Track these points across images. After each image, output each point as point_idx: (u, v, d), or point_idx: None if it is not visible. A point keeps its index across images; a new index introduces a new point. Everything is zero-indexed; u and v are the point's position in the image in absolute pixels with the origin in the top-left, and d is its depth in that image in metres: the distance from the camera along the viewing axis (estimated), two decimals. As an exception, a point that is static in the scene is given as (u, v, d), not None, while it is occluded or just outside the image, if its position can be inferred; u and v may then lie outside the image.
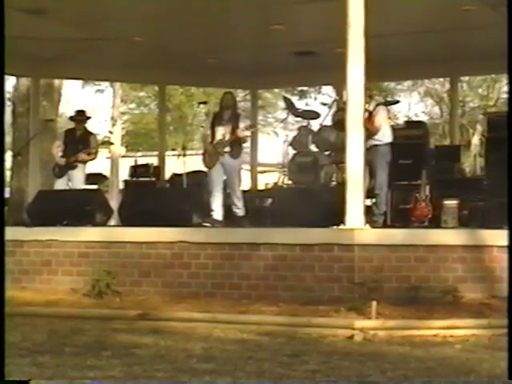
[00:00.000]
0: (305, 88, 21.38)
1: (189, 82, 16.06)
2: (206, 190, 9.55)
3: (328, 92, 22.58)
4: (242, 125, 9.59)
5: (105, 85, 23.90)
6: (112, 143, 13.41)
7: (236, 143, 9.46)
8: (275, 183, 11.82)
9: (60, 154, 10.53)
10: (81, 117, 10.87)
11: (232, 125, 9.45)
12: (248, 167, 15.00)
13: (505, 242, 7.37)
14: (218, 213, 9.36)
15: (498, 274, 7.31)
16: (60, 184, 10.47)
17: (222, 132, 9.48)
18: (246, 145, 13.79)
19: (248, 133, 9.82)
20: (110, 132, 21.51)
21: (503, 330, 6.06)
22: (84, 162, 10.53)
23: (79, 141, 10.55)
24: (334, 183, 10.69)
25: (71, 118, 11.08)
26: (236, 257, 7.69)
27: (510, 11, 4.90)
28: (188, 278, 7.82)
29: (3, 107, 4.50)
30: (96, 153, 10.66)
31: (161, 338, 6.00)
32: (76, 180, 10.42)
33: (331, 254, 7.37)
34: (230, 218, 9.41)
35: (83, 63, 12.12)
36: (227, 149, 9.40)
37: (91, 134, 10.83)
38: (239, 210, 9.40)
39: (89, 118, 11.07)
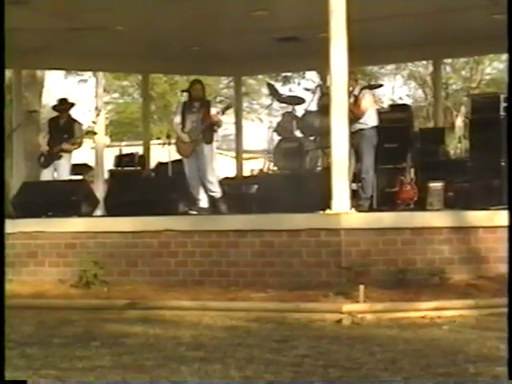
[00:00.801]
0: (288, 74, 21.35)
1: (172, 70, 16.01)
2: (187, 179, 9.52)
3: (312, 77, 22.59)
4: (214, 110, 9.54)
5: (88, 75, 23.74)
6: (96, 133, 13.25)
7: (209, 129, 9.44)
8: (261, 170, 11.81)
9: (45, 143, 10.48)
10: (64, 105, 10.78)
11: (204, 111, 9.42)
12: (233, 154, 14.99)
13: (490, 223, 7.47)
14: (203, 201, 9.36)
15: (484, 254, 7.37)
16: (46, 174, 10.41)
17: (193, 119, 9.45)
18: (231, 132, 13.80)
19: (222, 116, 9.75)
20: (94, 122, 21.34)
21: (490, 310, 6.13)
22: (69, 152, 10.47)
23: (63, 129, 10.48)
24: (319, 168, 10.70)
25: (54, 108, 11.00)
26: (223, 244, 7.70)
27: (510, 4, 4.91)
28: (176, 266, 7.82)
29: (3, 106, 4.47)
30: (80, 142, 10.59)
31: (150, 326, 6.01)
32: (62, 170, 10.36)
33: (318, 239, 7.38)
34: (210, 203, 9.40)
35: (65, 53, 12.03)
36: (200, 136, 9.37)
37: (75, 121, 10.75)
38: (215, 193, 9.38)
39: (72, 105, 10.98)
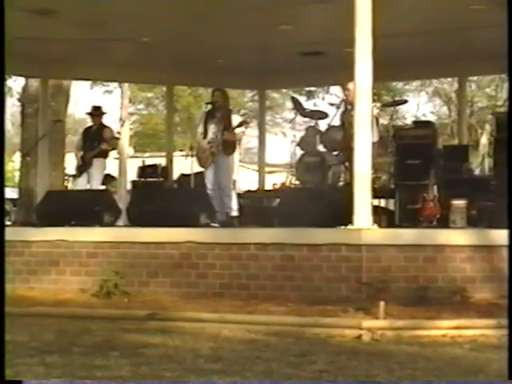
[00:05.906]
0: (313, 88, 21.37)
1: (197, 82, 16.08)
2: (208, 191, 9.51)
3: (336, 92, 22.59)
4: (235, 122, 9.49)
5: (113, 85, 23.94)
6: (118, 138, 13.45)
7: (229, 141, 9.40)
8: (283, 183, 11.82)
9: (80, 153, 10.72)
10: (97, 113, 11.00)
11: (225, 122, 9.39)
12: (255, 167, 15.01)
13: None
14: (224, 213, 9.35)
15: (507, 273, 7.29)
16: (80, 183, 10.62)
17: (214, 130, 9.43)
18: (254, 145, 13.81)
19: (242, 129, 9.70)
20: (118, 133, 21.57)
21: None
22: (103, 155, 10.59)
23: (94, 137, 10.73)
24: (341, 183, 10.68)
25: (88, 113, 11.29)
26: (244, 257, 7.70)
27: (510, 11, 4.89)
28: (196, 278, 7.83)
29: (3, 107, 4.52)
30: (112, 146, 10.84)
31: (169, 338, 6.01)
32: (94, 179, 10.53)
33: (339, 254, 7.36)
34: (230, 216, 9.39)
35: (92, 64, 12.15)
36: (220, 147, 9.35)
37: (106, 127, 10.99)
38: (230, 210, 9.33)
39: (104, 113, 11.18)
